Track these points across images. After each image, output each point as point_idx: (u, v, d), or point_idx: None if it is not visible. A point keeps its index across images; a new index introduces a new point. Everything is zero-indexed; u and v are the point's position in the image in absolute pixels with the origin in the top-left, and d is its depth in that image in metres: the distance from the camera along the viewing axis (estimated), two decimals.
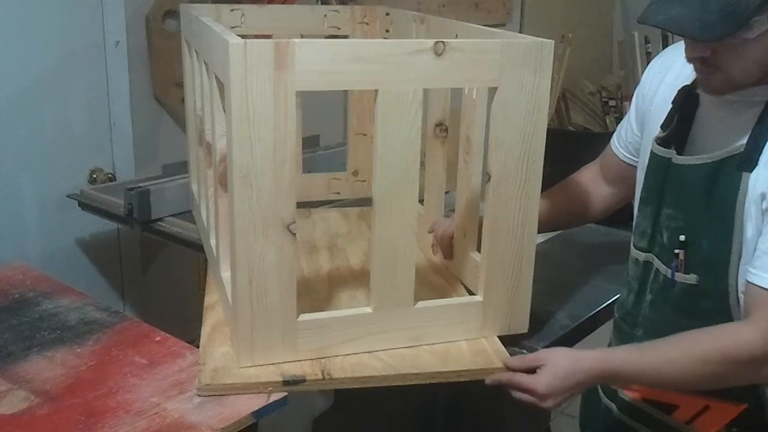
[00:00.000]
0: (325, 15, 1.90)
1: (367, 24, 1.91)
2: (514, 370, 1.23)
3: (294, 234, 1.18)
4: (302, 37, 1.84)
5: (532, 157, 1.28)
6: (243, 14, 1.83)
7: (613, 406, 1.41)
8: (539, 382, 1.18)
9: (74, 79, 2.12)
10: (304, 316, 1.25)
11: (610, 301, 1.52)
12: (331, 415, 2.46)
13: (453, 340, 1.33)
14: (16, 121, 2.03)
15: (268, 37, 1.83)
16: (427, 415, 2.00)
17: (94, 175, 2.21)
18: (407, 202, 1.23)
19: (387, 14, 1.87)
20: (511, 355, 1.30)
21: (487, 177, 1.29)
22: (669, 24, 1.11)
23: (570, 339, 1.55)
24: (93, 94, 2.17)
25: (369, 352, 1.29)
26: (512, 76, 1.22)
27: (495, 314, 1.35)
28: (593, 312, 1.61)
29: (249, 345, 1.22)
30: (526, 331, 1.38)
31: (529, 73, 1.23)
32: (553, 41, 1.22)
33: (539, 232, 1.55)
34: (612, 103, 3.78)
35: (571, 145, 3.06)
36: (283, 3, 2.36)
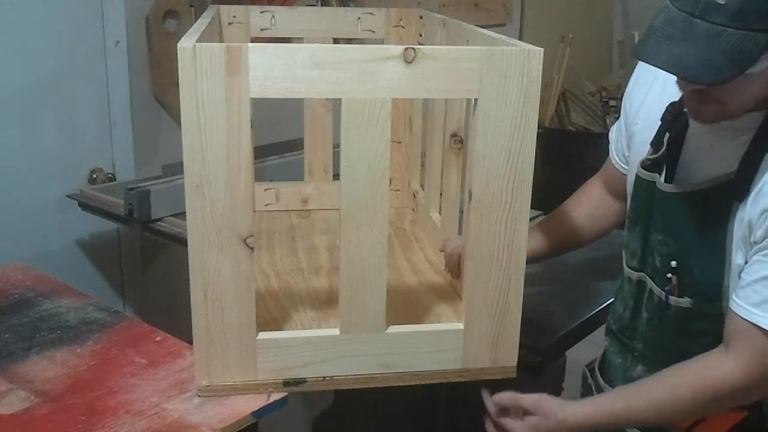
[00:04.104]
0: (359, 18, 1.83)
1: (403, 27, 1.85)
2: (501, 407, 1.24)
3: (251, 248, 1.13)
4: (334, 41, 1.82)
5: (518, 177, 1.17)
6: (273, 16, 1.80)
7: None
8: (526, 424, 1.20)
9: (74, 79, 2.12)
10: (264, 335, 1.20)
11: (610, 301, 1.52)
12: (331, 415, 2.46)
13: (429, 369, 1.25)
14: (16, 120, 2.03)
15: (300, 40, 1.80)
16: (427, 415, 2.00)
17: (94, 175, 2.21)
18: (376, 219, 1.15)
19: (420, 17, 1.80)
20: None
21: (468, 196, 1.19)
22: (674, 66, 1.03)
23: (570, 339, 1.55)
24: (93, 94, 2.17)
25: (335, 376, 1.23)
26: (495, 87, 1.12)
27: (478, 345, 1.25)
28: (593, 312, 1.61)
29: (205, 361, 1.18)
30: (513, 365, 1.28)
31: (515, 84, 1.12)
32: (543, 48, 1.12)
33: (555, 255, 1.54)
34: (612, 103, 3.79)
35: (571, 145, 3.07)
36: (282, 4, 2.36)
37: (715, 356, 1.15)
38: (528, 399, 1.21)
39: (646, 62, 1.06)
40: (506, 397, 1.23)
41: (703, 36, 1.01)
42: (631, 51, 1.07)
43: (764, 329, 1.08)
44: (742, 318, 1.10)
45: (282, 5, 2.27)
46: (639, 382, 1.25)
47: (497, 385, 1.28)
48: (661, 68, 1.05)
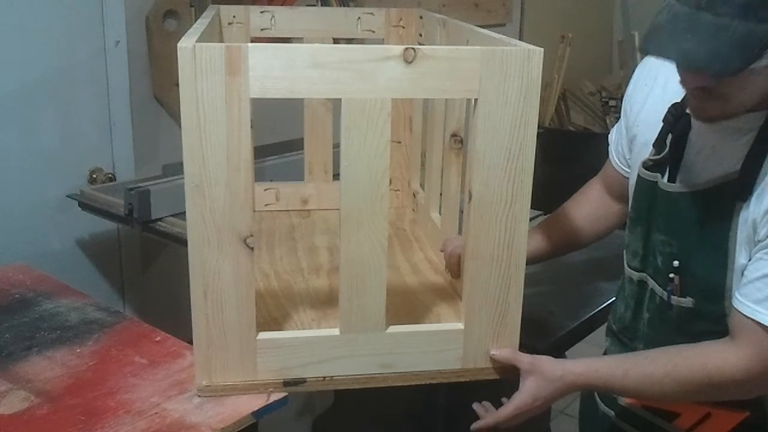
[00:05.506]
0: (359, 18, 1.83)
1: (403, 27, 1.86)
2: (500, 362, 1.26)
3: (251, 248, 1.14)
4: (334, 41, 1.83)
5: (518, 176, 1.17)
6: (273, 16, 1.80)
7: (612, 413, 1.41)
8: (525, 389, 1.22)
9: (74, 79, 2.12)
10: (264, 335, 1.20)
11: (610, 301, 1.53)
12: (331, 415, 2.46)
13: (429, 369, 1.26)
14: (16, 120, 2.03)
15: (300, 40, 1.81)
16: (427, 415, 2.00)
17: (94, 175, 2.21)
18: (376, 219, 1.15)
19: (420, 17, 1.81)
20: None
21: (468, 196, 1.20)
22: (683, 59, 1.03)
23: (570, 339, 1.56)
24: (93, 94, 2.17)
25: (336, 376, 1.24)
26: (495, 87, 1.12)
27: (478, 345, 1.26)
28: (593, 312, 1.61)
29: (205, 361, 1.18)
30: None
31: (515, 84, 1.12)
32: (543, 48, 1.12)
33: (555, 256, 1.54)
34: (612, 103, 3.78)
35: (571, 145, 3.07)
36: (282, 4, 2.36)
37: (721, 344, 1.15)
38: (525, 359, 1.24)
39: (655, 55, 1.06)
40: (506, 353, 1.25)
41: (709, 28, 1.00)
42: (639, 46, 1.07)
43: (766, 326, 1.09)
44: (744, 315, 1.11)
45: (282, 5, 2.27)
46: (641, 354, 1.26)
47: (496, 387, 1.28)
48: (669, 59, 1.05)
